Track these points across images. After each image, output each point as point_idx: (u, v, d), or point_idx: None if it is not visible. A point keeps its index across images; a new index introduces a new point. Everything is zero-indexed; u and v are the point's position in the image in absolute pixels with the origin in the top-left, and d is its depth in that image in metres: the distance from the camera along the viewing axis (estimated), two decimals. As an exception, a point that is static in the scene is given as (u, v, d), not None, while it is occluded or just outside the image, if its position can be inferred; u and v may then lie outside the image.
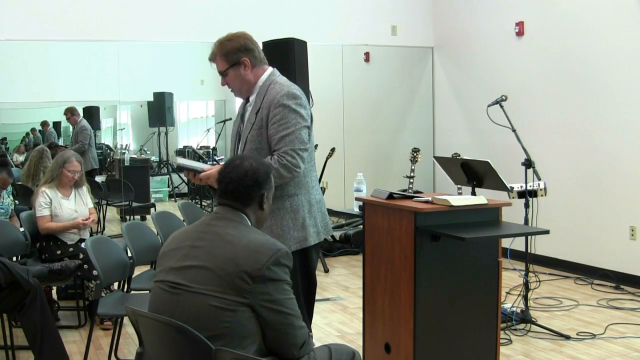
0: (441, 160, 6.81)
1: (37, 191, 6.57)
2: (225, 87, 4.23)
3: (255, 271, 2.89)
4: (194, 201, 11.79)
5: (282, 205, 4.08)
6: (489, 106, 6.51)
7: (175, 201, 12.00)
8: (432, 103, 10.95)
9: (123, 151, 11.68)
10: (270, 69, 4.23)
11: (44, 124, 11.59)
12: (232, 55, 4.12)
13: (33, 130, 11.65)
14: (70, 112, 10.68)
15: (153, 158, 12.40)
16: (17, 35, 8.70)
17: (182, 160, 4.23)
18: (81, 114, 10.88)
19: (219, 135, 11.95)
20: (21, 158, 10.96)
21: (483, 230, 4.47)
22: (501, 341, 5.09)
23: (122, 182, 10.29)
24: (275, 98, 4.03)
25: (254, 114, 4.10)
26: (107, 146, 12.54)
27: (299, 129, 4.01)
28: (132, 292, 5.73)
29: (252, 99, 4.18)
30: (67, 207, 6.56)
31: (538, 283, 6.98)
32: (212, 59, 4.19)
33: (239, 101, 4.45)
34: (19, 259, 6.42)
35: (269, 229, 4.00)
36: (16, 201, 7.52)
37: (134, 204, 10.53)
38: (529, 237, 6.34)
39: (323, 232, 4.30)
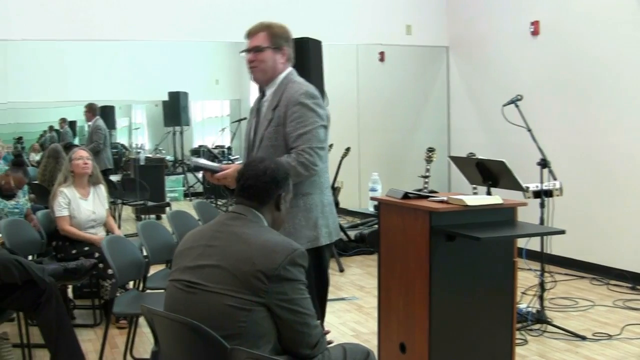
0: (456, 160, 6.80)
1: (55, 191, 6.58)
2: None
3: (271, 271, 2.89)
4: (209, 200, 11.82)
5: (296, 203, 4.06)
6: (504, 106, 6.49)
7: (191, 200, 12.05)
8: (447, 102, 10.93)
9: (138, 150, 11.74)
10: (290, 68, 4.24)
11: (62, 120, 11.65)
12: (279, 39, 4.15)
13: (51, 128, 11.71)
14: (87, 108, 10.70)
15: (168, 157, 12.45)
16: (32, 35, 8.72)
17: (199, 160, 4.23)
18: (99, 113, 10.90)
19: (234, 134, 11.98)
20: (37, 157, 11.02)
21: (498, 230, 4.45)
22: (516, 341, 5.08)
23: (137, 182, 10.32)
24: (293, 96, 4.03)
25: (270, 111, 4.10)
26: (123, 145, 12.60)
27: (316, 128, 4.01)
28: (148, 291, 5.74)
29: (268, 93, 4.17)
30: (85, 207, 6.56)
31: (554, 283, 6.96)
32: (253, 33, 4.17)
33: (254, 100, 4.44)
34: (35, 257, 6.45)
35: None
36: (32, 196, 7.56)
37: (149, 203, 10.56)
38: (545, 237, 6.32)
39: (334, 234, 4.30)
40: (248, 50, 4.16)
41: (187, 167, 12.69)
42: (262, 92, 4.25)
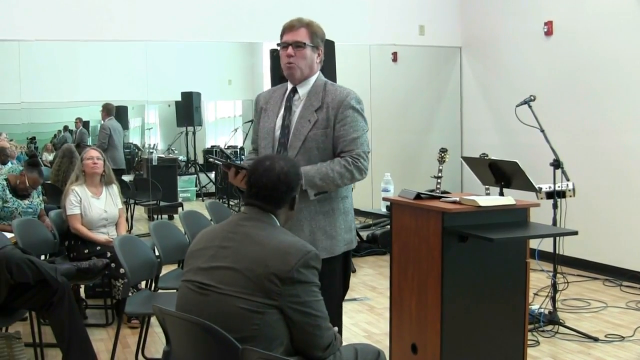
0: (469, 161, 6.78)
1: (67, 190, 6.60)
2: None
3: (284, 273, 2.89)
4: (221, 200, 11.81)
5: (337, 206, 4.09)
6: (517, 106, 6.48)
7: (203, 200, 12.04)
8: (460, 103, 10.92)
9: (151, 150, 11.73)
10: (319, 70, 4.20)
11: (78, 120, 11.67)
12: (318, 38, 4.10)
13: (65, 128, 11.73)
14: (103, 108, 10.74)
15: (181, 157, 12.44)
16: (46, 36, 8.76)
17: (235, 161, 4.12)
18: (114, 113, 10.91)
19: (247, 135, 11.96)
20: (50, 157, 11.03)
21: (511, 231, 4.45)
22: (528, 342, 5.07)
23: (149, 182, 10.34)
24: (345, 100, 4.00)
25: (312, 112, 4.02)
26: (135, 145, 12.59)
27: (365, 133, 4.05)
28: (160, 291, 5.76)
29: (301, 92, 4.10)
30: (97, 206, 6.58)
31: (566, 284, 6.93)
32: (294, 27, 4.09)
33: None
34: (48, 257, 6.47)
35: (322, 230, 4.00)
36: (44, 197, 7.57)
37: (162, 203, 10.59)
38: (557, 238, 6.30)
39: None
40: (287, 45, 4.07)
41: (200, 167, 12.71)
42: (293, 89, 4.15)
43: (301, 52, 4.05)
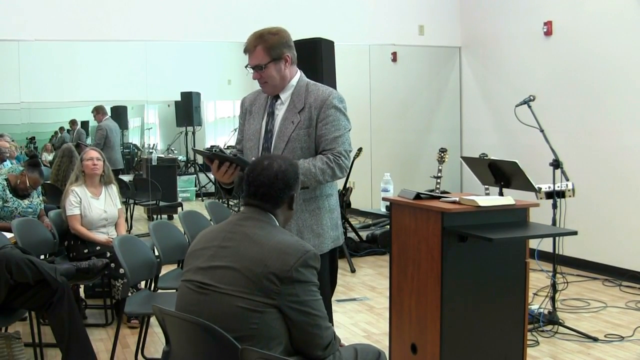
0: (468, 161, 6.78)
1: (67, 190, 6.60)
2: (253, 87, 4.19)
3: (283, 272, 2.90)
4: (220, 200, 11.81)
5: (322, 204, 4.10)
6: (516, 106, 6.48)
7: (202, 200, 12.06)
8: (460, 103, 10.91)
9: (150, 150, 11.73)
10: (299, 71, 4.20)
11: (73, 122, 11.67)
12: (277, 49, 4.03)
13: (61, 129, 11.73)
14: (96, 111, 10.76)
15: (180, 157, 12.45)
16: (46, 36, 8.76)
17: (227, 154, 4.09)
18: (109, 113, 10.92)
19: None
20: (49, 157, 11.04)
21: (510, 231, 4.45)
22: (528, 342, 5.06)
23: (149, 182, 10.33)
24: (328, 99, 4.02)
25: (295, 113, 4.03)
26: (135, 145, 12.60)
27: (347, 132, 4.06)
28: (159, 291, 5.75)
29: (284, 97, 4.11)
30: (96, 207, 6.57)
31: (566, 284, 6.93)
32: (251, 50, 4.06)
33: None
34: (47, 257, 6.46)
35: (309, 228, 4.03)
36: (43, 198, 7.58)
37: (161, 203, 10.58)
38: (557, 238, 6.29)
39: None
40: (252, 68, 4.08)
41: (199, 167, 12.72)
42: (274, 95, 4.17)
43: (265, 73, 4.04)
